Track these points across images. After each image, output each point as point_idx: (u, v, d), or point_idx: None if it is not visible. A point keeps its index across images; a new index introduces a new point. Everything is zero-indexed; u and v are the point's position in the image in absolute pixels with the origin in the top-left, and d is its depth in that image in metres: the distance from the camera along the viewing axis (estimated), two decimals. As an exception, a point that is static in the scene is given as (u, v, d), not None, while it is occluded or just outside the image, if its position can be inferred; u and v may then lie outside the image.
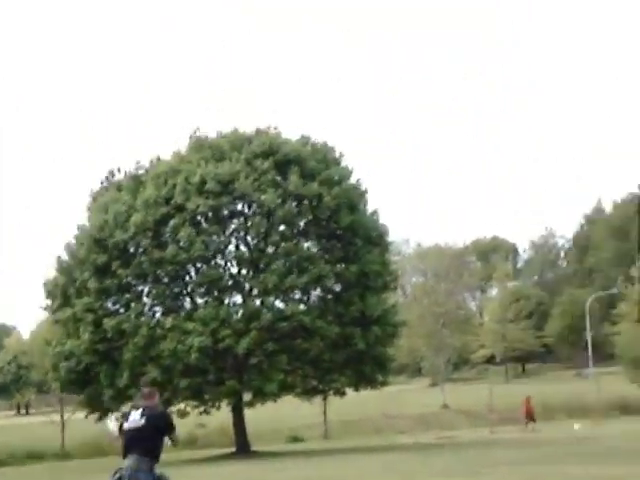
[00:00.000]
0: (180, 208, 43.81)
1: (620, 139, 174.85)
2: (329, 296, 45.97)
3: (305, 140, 47.50)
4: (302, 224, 45.65)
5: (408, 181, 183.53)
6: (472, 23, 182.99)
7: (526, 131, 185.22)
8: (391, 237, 50.21)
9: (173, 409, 42.97)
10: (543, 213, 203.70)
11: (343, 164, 47.52)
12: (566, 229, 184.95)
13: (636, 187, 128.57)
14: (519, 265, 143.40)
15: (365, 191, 47.38)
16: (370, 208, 47.67)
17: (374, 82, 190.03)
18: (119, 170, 48.31)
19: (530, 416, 53.30)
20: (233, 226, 45.45)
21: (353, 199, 46.05)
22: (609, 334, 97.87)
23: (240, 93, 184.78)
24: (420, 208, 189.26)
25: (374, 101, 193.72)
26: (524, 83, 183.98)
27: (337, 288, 45.68)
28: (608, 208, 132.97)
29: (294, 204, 44.64)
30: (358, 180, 47.25)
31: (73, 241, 46.69)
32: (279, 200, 43.69)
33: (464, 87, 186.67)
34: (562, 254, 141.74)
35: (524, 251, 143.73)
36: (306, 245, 45.62)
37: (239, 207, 45.65)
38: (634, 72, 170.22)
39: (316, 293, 45.87)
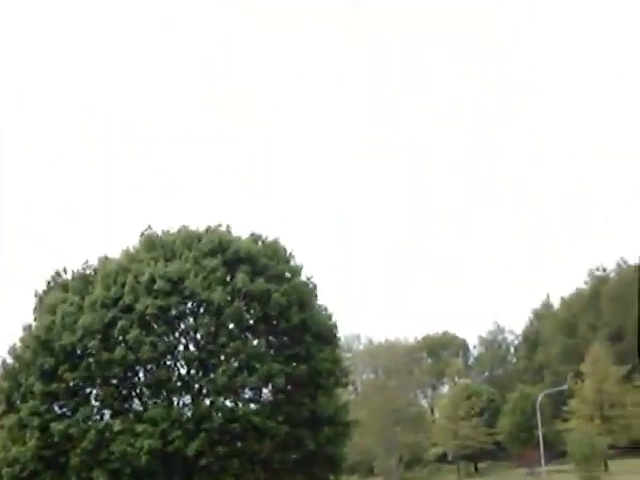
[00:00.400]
0: (129, 309, 43.56)
1: (567, 236, 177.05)
2: (280, 395, 45.51)
3: (255, 237, 47.75)
4: (251, 322, 45.34)
5: (357, 275, 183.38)
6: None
7: (476, 225, 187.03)
8: (341, 332, 50.20)
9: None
10: (493, 308, 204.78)
11: (294, 259, 47.79)
12: (515, 324, 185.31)
13: (582, 283, 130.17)
14: (470, 361, 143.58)
15: (315, 287, 47.46)
16: (321, 303, 47.81)
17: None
18: (65, 270, 48.03)
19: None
20: (182, 326, 45.00)
21: (304, 296, 46.10)
22: (560, 431, 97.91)
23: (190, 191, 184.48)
24: (370, 303, 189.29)
25: (319, 200, 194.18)
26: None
27: (288, 387, 45.27)
28: (557, 303, 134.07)
29: (243, 302, 44.45)
30: (310, 278, 47.38)
31: (18, 344, 45.88)
32: (228, 298, 43.60)
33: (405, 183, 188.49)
34: (512, 350, 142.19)
35: (474, 347, 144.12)
36: (255, 342, 45.22)
37: (188, 306, 45.32)
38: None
39: (267, 392, 45.36)
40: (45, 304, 46.10)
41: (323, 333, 46.38)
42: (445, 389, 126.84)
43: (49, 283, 47.97)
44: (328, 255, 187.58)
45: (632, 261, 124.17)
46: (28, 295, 51.86)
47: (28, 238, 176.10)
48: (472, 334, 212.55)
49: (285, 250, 47.65)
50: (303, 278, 47.03)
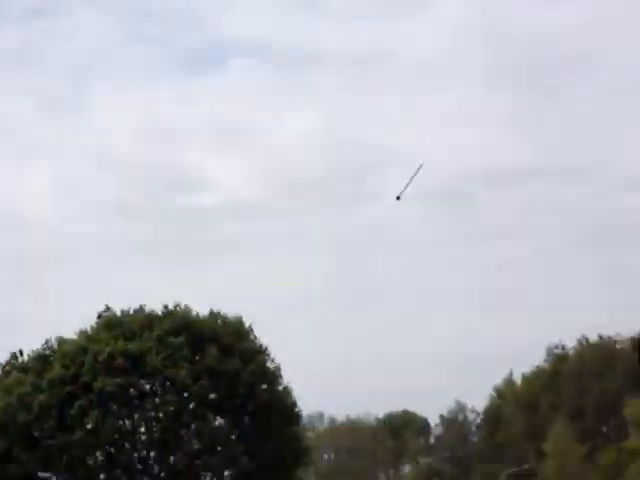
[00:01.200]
0: (87, 387, 42.68)
1: (528, 310, 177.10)
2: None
3: (215, 315, 47.30)
4: (216, 401, 44.52)
5: (317, 351, 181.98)
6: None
7: (436, 297, 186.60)
8: (304, 410, 49.78)
9: None
10: (453, 385, 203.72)
11: (257, 338, 47.49)
12: (477, 402, 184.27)
13: (542, 361, 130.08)
14: (431, 440, 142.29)
15: (279, 367, 47.08)
16: (285, 382, 47.36)
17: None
18: (21, 352, 47.10)
19: None
20: (143, 405, 44.03)
21: (268, 375, 45.60)
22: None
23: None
24: (331, 378, 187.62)
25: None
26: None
27: (250, 467, 44.37)
28: (519, 380, 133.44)
29: (209, 381, 43.77)
30: (273, 359, 47.02)
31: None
32: (193, 376, 43.04)
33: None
34: (473, 428, 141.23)
35: (436, 425, 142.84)
36: (218, 423, 44.41)
37: (150, 385, 44.54)
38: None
39: (228, 474, 44.47)
40: (2, 386, 44.93)
41: (287, 413, 45.74)
42: (407, 469, 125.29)
43: (4, 366, 46.93)
44: (287, 331, 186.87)
45: (592, 338, 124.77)
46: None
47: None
48: (433, 412, 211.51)
49: (248, 328, 47.24)
50: (266, 356, 46.50)
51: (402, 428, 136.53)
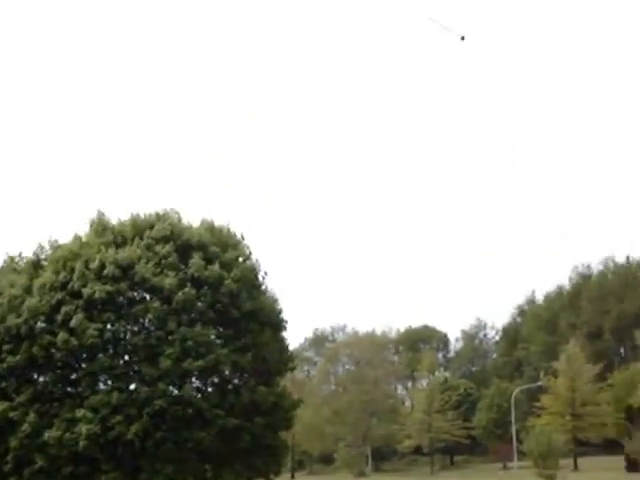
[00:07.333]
0: (76, 294, 43.41)
1: (556, 230, 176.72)
2: (227, 386, 45.59)
3: (206, 225, 47.81)
4: (201, 309, 45.19)
5: (344, 268, 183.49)
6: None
7: (461, 218, 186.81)
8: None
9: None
10: (476, 303, 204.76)
11: (245, 246, 48.16)
12: (498, 320, 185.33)
13: (566, 279, 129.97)
14: (450, 355, 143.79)
15: (265, 273, 47.78)
16: (269, 288, 48.46)
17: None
18: (20, 255, 48.02)
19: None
20: (131, 312, 44.88)
21: (252, 282, 46.14)
22: (533, 427, 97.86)
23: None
24: (358, 294, 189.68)
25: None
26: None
27: (234, 375, 45.38)
28: (542, 299, 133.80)
29: (194, 289, 44.40)
30: (258, 262, 47.73)
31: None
32: (179, 284, 43.65)
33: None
34: (493, 346, 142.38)
35: (456, 340, 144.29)
36: (203, 331, 45.13)
37: (138, 293, 45.26)
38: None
39: (213, 381, 45.43)
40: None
41: (271, 320, 46.59)
42: (424, 382, 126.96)
43: (1, 268, 47.96)
44: (317, 248, 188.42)
45: (620, 259, 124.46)
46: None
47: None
48: (454, 329, 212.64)
49: (236, 237, 47.87)
50: (251, 263, 47.23)
51: (421, 342, 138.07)
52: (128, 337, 44.48)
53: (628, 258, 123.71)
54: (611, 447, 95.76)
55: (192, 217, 48.67)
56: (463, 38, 26.51)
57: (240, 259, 47.04)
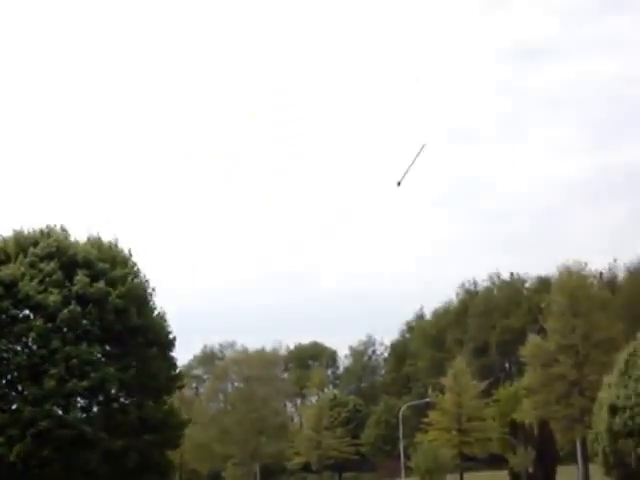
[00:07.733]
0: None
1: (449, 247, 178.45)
2: (113, 405, 44.85)
3: (93, 241, 47.11)
4: (87, 327, 44.37)
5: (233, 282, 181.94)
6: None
7: (351, 227, 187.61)
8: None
9: None
10: (365, 319, 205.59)
11: (133, 262, 47.54)
12: (387, 336, 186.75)
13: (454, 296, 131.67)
14: (340, 371, 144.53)
15: (153, 290, 47.31)
16: (158, 305, 47.88)
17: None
18: None
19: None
20: (13, 330, 43.72)
21: (140, 298, 45.62)
22: (420, 443, 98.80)
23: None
24: (247, 311, 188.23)
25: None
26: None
27: (120, 393, 44.67)
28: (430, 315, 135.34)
29: (79, 306, 43.58)
30: (147, 280, 47.27)
31: None
32: (63, 302, 42.86)
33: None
34: (382, 362, 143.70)
35: (345, 357, 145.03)
36: (89, 348, 44.30)
37: (22, 312, 44.25)
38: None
39: (99, 400, 44.63)
40: None
41: (160, 338, 46.07)
42: (313, 399, 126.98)
43: None
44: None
45: (505, 275, 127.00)
46: None
47: None
48: (344, 345, 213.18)
49: (123, 253, 47.24)
50: (139, 280, 46.64)
51: (310, 359, 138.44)
52: (10, 356, 43.43)
53: (512, 274, 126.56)
54: (496, 462, 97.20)
55: (78, 231, 47.80)
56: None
57: (129, 277, 46.24)
